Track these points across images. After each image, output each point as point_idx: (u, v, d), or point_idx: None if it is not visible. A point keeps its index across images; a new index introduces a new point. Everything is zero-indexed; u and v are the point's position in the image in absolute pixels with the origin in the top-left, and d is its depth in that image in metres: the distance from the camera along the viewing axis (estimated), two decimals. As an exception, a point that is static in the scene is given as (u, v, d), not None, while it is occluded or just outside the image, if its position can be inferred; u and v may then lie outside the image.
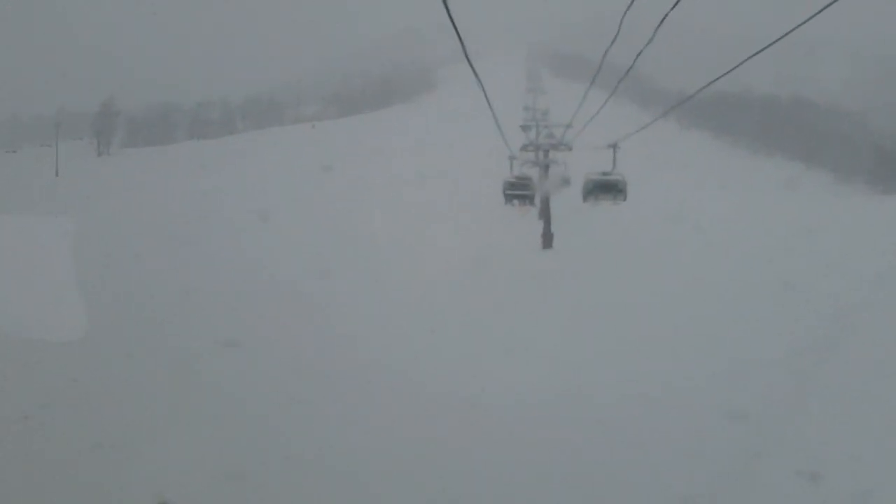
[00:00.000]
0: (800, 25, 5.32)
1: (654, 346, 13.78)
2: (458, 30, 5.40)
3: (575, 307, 17.13)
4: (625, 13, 6.41)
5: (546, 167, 26.13)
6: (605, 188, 17.93)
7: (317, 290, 18.66)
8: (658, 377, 12.10)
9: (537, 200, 24.33)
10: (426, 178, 39.63)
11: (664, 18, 6.22)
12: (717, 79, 7.21)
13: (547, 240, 26.07)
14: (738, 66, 6.71)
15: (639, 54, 7.96)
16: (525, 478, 8.99)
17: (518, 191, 21.70)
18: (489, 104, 10.76)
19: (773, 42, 5.93)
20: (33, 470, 9.07)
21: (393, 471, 9.24)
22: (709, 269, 20.90)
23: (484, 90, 8.45)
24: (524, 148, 25.44)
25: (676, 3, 5.88)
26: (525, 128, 28.61)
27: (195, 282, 19.26)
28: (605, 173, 17.85)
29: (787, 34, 5.57)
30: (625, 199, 18.14)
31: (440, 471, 9.19)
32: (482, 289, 18.89)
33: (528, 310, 16.90)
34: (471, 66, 6.63)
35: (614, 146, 17.02)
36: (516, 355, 13.35)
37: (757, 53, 6.21)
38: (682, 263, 21.73)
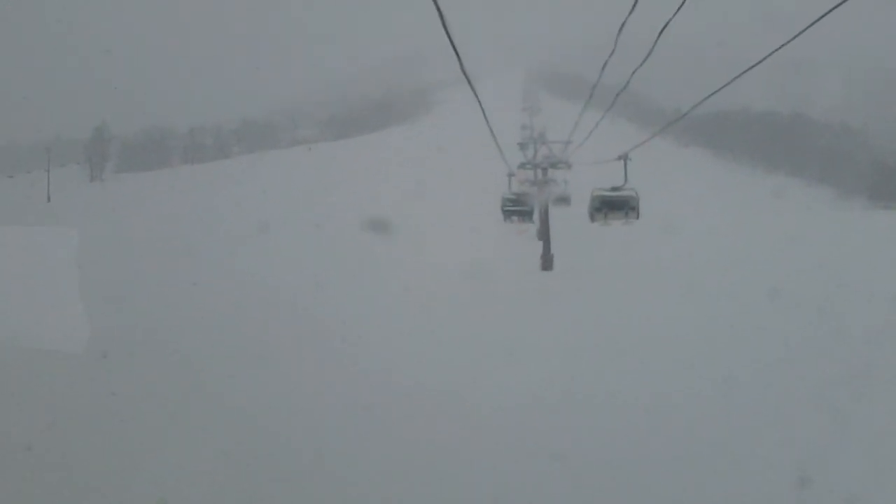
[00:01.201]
0: (787, 42, 5.52)
1: (652, 369, 13.80)
2: (457, 48, 5.59)
3: (574, 330, 16.86)
4: (618, 35, 6.61)
5: (545, 185, 26.11)
6: (616, 205, 15.67)
7: (313, 304, 19.05)
8: (651, 391, 12.31)
9: (535, 216, 24.43)
10: (422, 200, 39.93)
11: (654, 45, 6.45)
12: (710, 95, 7.40)
13: (546, 261, 25.75)
14: (730, 83, 6.91)
15: (628, 80, 8.18)
16: (524, 475, 9.39)
17: (516, 207, 21.85)
18: (486, 120, 10.93)
19: (763, 59, 6.13)
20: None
21: (394, 473, 9.48)
22: (709, 290, 20.75)
23: (481, 105, 8.65)
24: (522, 166, 25.41)
25: (664, 29, 6.10)
26: (522, 146, 28.62)
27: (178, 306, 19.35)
28: (615, 188, 15.65)
29: (775, 51, 5.78)
30: (637, 218, 15.86)
31: (442, 473, 9.49)
32: (477, 312, 18.54)
33: (524, 331, 16.68)
34: (468, 81, 6.81)
35: (625, 157, 14.75)
36: (509, 369, 13.52)
37: (747, 70, 6.42)
38: (683, 282, 21.72)
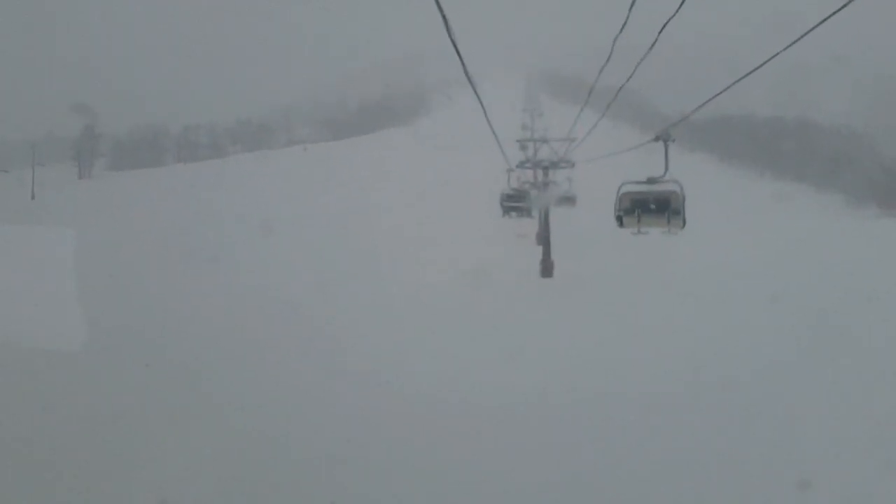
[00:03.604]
0: (790, 46, 5.66)
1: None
2: (458, 49, 5.72)
3: (568, 349, 16.24)
4: (613, 42, 6.73)
5: (545, 185, 25.62)
6: (653, 206, 11.55)
7: (304, 309, 19.17)
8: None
9: (535, 212, 24.33)
10: (418, 202, 39.96)
11: (647, 53, 6.58)
12: (715, 97, 7.49)
13: (546, 268, 25.04)
14: (733, 84, 7.04)
15: (620, 88, 8.28)
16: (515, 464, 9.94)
17: (515, 202, 21.86)
18: (486, 115, 10.93)
19: (765, 62, 6.25)
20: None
21: (399, 470, 9.67)
22: (719, 299, 20.59)
23: (480, 100, 8.69)
24: (521, 164, 24.94)
25: (656, 40, 6.23)
26: (522, 144, 27.91)
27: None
28: (652, 179, 11.47)
29: (777, 54, 5.91)
30: (683, 226, 11.80)
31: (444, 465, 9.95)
32: (466, 326, 18.03)
33: (513, 350, 16.17)
34: (468, 78, 6.92)
35: (665, 137, 10.77)
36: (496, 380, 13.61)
37: (751, 73, 6.55)
38: (690, 291, 21.51)
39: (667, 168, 11.02)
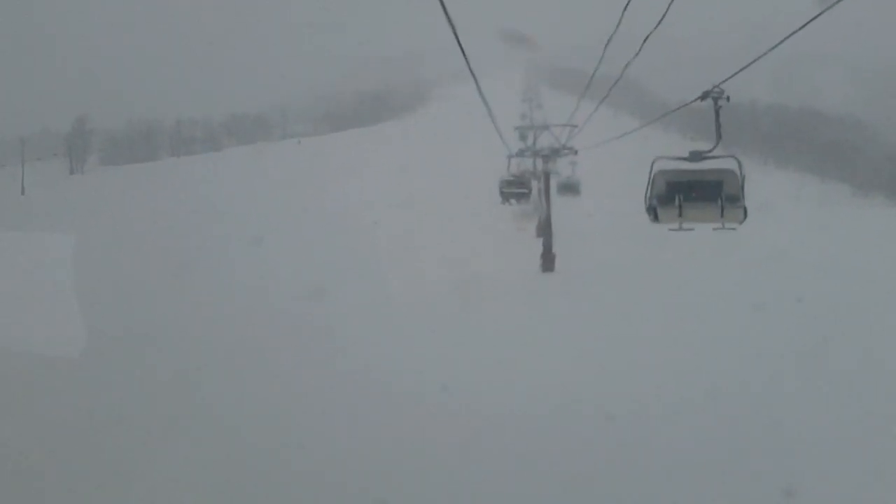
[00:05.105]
0: (790, 36, 5.76)
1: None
2: (459, 39, 5.80)
3: (567, 341, 16.26)
4: (613, 32, 6.80)
5: (546, 175, 25.11)
6: (700, 190, 8.49)
7: (298, 306, 19.09)
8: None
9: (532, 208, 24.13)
10: (414, 196, 39.83)
11: (648, 35, 6.66)
12: (718, 85, 7.47)
13: (547, 261, 24.59)
14: (734, 75, 7.13)
15: (619, 77, 8.31)
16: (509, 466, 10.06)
17: (515, 189, 21.60)
18: (484, 101, 10.85)
19: (766, 52, 6.34)
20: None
21: (397, 473, 9.83)
22: (725, 294, 20.38)
23: (478, 85, 8.61)
24: (520, 153, 24.34)
25: (660, 21, 6.32)
26: (521, 131, 26.78)
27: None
28: (696, 154, 8.40)
29: (778, 44, 6.00)
30: (743, 219, 8.96)
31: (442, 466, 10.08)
32: (457, 330, 17.58)
33: (516, 346, 16.08)
34: (466, 61, 6.94)
35: (717, 96, 7.88)
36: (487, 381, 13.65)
37: (752, 63, 6.64)
38: (694, 286, 21.45)
39: (719, 138, 8.18)
